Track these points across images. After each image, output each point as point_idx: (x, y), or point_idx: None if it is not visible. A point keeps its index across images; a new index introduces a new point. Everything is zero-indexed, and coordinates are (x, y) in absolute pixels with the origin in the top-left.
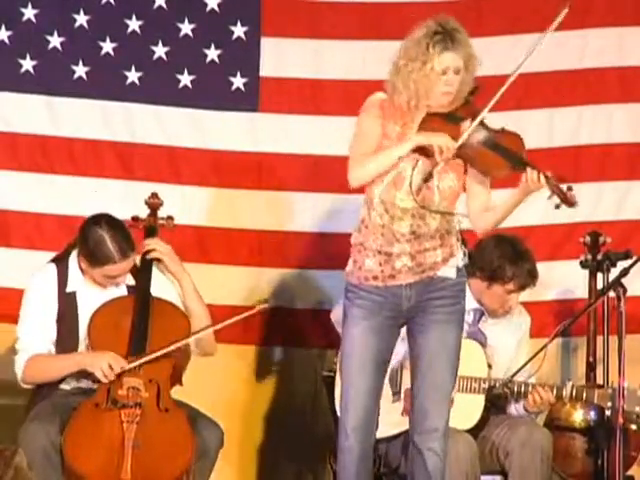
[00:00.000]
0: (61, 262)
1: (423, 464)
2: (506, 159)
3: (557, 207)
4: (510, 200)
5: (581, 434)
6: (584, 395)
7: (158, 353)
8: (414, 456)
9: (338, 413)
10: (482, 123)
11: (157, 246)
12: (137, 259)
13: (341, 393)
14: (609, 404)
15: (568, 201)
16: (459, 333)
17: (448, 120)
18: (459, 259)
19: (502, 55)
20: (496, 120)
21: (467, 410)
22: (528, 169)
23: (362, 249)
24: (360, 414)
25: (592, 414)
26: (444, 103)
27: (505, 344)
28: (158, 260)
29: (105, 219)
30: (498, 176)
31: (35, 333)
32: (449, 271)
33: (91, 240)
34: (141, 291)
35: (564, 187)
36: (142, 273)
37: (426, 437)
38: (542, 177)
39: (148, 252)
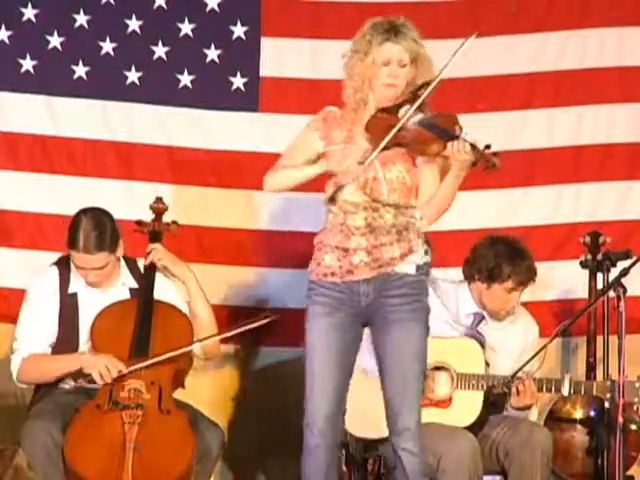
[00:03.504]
0: (63, 264)
1: (401, 465)
2: (436, 134)
3: (485, 169)
4: (446, 179)
5: (581, 425)
6: (583, 388)
7: (158, 358)
8: (393, 456)
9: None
10: (420, 108)
11: (159, 254)
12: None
13: (306, 392)
14: (608, 396)
15: (490, 166)
16: (423, 331)
17: (391, 112)
18: (419, 256)
19: (501, 55)
20: (497, 120)
21: (467, 407)
22: (454, 140)
23: (322, 246)
24: (325, 412)
25: (592, 414)
26: (389, 96)
27: (509, 348)
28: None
29: (95, 211)
30: (433, 153)
31: (33, 333)
32: (408, 267)
33: (70, 223)
34: (144, 294)
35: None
36: (145, 277)
37: (400, 438)
38: (467, 146)
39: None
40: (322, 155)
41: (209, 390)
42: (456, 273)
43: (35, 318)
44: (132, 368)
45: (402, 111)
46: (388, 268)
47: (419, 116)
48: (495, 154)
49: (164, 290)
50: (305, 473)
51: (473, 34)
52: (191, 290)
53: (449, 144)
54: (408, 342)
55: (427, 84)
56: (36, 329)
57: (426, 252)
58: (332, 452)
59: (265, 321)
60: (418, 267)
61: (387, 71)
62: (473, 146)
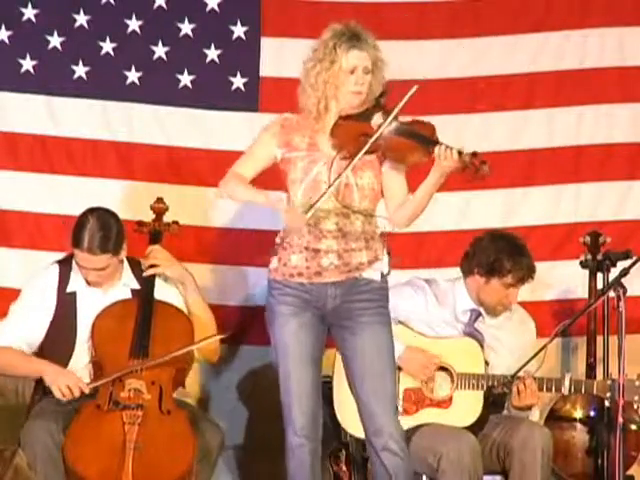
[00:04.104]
0: (65, 263)
1: (382, 465)
2: (418, 142)
3: (472, 180)
4: (426, 183)
5: (581, 425)
6: (583, 387)
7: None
8: (372, 457)
9: (338, 417)
10: (394, 117)
11: (157, 254)
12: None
13: (281, 392)
14: (608, 394)
15: (481, 174)
16: (389, 334)
17: (359, 119)
18: (384, 265)
19: (502, 55)
20: (497, 119)
21: (467, 407)
22: (441, 146)
23: (288, 246)
24: (306, 410)
25: (592, 413)
26: (355, 104)
27: (505, 345)
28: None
29: (102, 211)
30: (414, 160)
31: (14, 329)
32: (374, 274)
33: (77, 221)
34: (144, 294)
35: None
36: (146, 277)
37: (381, 439)
38: (455, 152)
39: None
40: (282, 161)
41: (213, 390)
42: (456, 273)
43: (22, 316)
44: (92, 385)
45: (376, 119)
46: (356, 273)
47: (394, 124)
48: (484, 162)
49: (166, 294)
50: (290, 473)
51: (415, 86)
52: (188, 291)
53: (435, 149)
54: (378, 344)
55: (385, 92)
56: (19, 326)
57: (388, 263)
58: (316, 450)
59: (215, 338)
60: (382, 275)
61: (354, 79)
62: (460, 152)
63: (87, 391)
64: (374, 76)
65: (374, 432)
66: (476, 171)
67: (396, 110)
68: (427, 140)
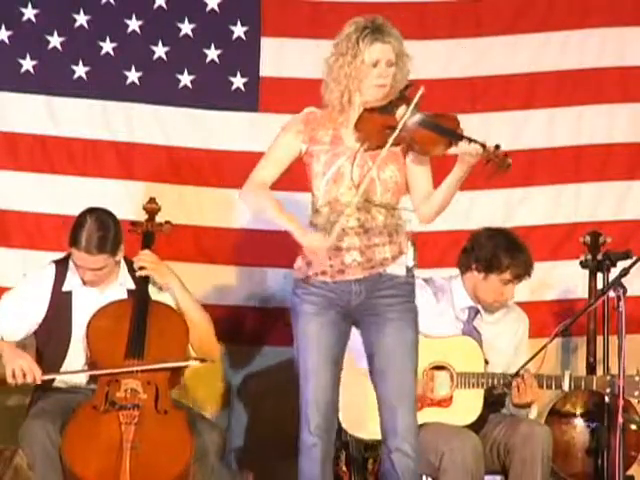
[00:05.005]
0: (62, 262)
1: (392, 465)
2: (442, 135)
3: (494, 173)
4: (450, 178)
5: (582, 425)
6: (583, 383)
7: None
8: (384, 455)
9: (339, 417)
10: (417, 108)
11: (144, 263)
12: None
13: (300, 390)
14: (608, 390)
15: (504, 167)
16: (415, 331)
17: (383, 112)
18: (409, 259)
19: (502, 55)
20: (497, 119)
21: (468, 406)
22: (464, 140)
23: None
24: (322, 410)
25: (592, 415)
26: (379, 96)
27: (502, 343)
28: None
29: (100, 212)
30: (437, 153)
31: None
32: (398, 269)
33: (75, 221)
34: (140, 294)
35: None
36: (140, 277)
37: (396, 439)
38: (479, 147)
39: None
40: (306, 154)
41: (212, 390)
42: (455, 272)
43: (10, 305)
44: (46, 377)
45: (400, 111)
46: (380, 268)
47: (418, 116)
48: (506, 154)
49: (159, 294)
50: (302, 471)
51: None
52: (174, 291)
53: (460, 144)
54: (402, 341)
55: (410, 84)
56: (3, 313)
57: (414, 256)
58: (329, 450)
59: (192, 364)
60: (408, 269)
61: (377, 72)
62: (484, 146)
63: (39, 381)
64: (399, 68)
65: (390, 429)
66: (499, 164)
67: (415, 99)
68: (451, 133)
